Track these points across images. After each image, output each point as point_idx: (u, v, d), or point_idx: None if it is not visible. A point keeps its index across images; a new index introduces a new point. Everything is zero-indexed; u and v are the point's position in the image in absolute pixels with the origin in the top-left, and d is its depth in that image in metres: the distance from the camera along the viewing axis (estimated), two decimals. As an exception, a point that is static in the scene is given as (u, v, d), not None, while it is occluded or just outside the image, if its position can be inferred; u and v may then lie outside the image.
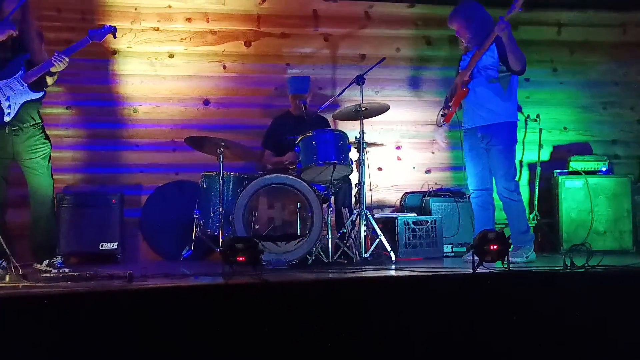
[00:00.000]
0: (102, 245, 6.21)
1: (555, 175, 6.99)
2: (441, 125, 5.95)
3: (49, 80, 5.24)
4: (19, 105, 5.07)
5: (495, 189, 5.76)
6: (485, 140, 5.68)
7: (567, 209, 6.85)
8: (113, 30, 5.40)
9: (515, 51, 5.48)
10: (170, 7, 6.97)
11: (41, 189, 5.19)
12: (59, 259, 5.24)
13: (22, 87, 5.09)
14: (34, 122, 5.20)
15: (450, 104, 5.81)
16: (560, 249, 6.65)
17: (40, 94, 5.20)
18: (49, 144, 5.27)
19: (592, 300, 4.14)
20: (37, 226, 5.21)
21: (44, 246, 5.21)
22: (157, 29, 6.93)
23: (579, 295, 4.17)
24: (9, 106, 5.03)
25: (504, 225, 5.94)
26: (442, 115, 5.89)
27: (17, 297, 3.74)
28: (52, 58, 5.09)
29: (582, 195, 6.84)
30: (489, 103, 5.64)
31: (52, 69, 5.13)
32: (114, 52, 6.77)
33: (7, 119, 5.03)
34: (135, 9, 6.90)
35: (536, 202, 6.95)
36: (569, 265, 4.51)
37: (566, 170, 7.00)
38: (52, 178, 5.27)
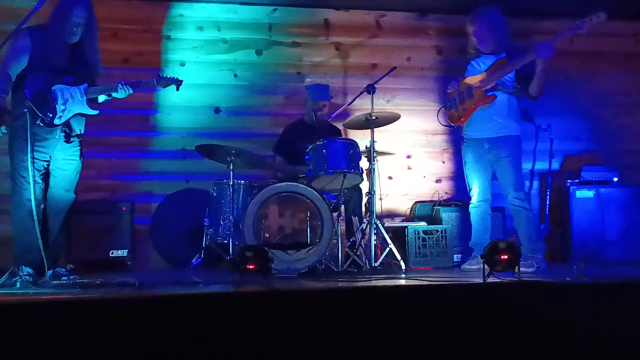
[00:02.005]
0: (112, 253, 6.23)
1: (566, 185, 6.97)
2: (447, 126, 5.98)
3: (101, 98, 5.21)
4: (72, 113, 5.04)
5: (497, 199, 5.78)
6: (493, 152, 5.70)
7: (578, 219, 6.82)
8: (178, 83, 5.38)
9: (543, 80, 5.54)
10: (182, 15, 7.00)
11: (61, 202, 5.16)
12: (63, 269, 5.19)
13: (81, 99, 5.06)
14: (80, 133, 5.19)
15: (461, 106, 5.79)
16: (571, 258, 6.62)
17: (95, 113, 5.17)
18: (82, 160, 5.24)
19: (603, 311, 4.11)
20: (46, 236, 5.10)
21: (50, 256, 5.03)
22: (169, 38, 6.97)
23: (590, 306, 4.14)
24: (63, 110, 4.99)
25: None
26: (445, 113, 5.90)
27: (27, 304, 3.75)
28: (119, 85, 5.11)
29: (593, 205, 6.80)
30: (499, 116, 5.69)
31: (114, 93, 5.15)
32: (126, 59, 6.80)
33: (57, 122, 4.98)
34: (149, 18, 6.94)
35: (547, 212, 6.92)
36: (580, 275, 4.48)
37: (577, 180, 6.97)
38: (74, 194, 5.25)
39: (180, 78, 5.40)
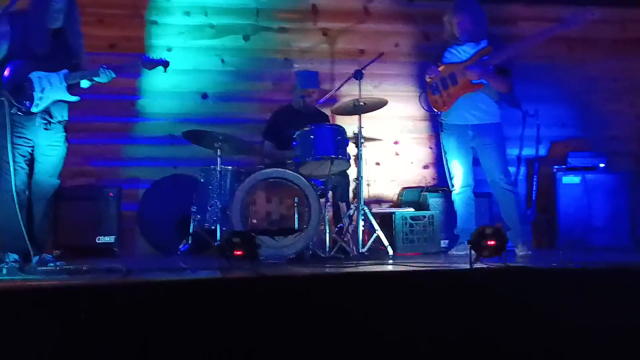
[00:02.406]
0: (99, 239, 6.21)
1: (553, 171, 6.99)
2: (429, 111, 6.01)
3: (84, 84, 5.15)
4: (51, 101, 4.98)
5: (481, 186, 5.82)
6: (477, 139, 5.76)
7: (564, 205, 6.85)
8: (165, 64, 5.33)
9: (499, 86, 5.71)
10: (169, 0, 6.96)
11: (45, 187, 5.12)
12: (49, 255, 5.16)
13: (60, 85, 5.00)
14: (62, 120, 5.12)
15: (445, 92, 5.80)
16: (558, 244, 6.65)
17: (76, 99, 5.10)
18: (67, 145, 5.18)
19: (589, 297, 4.14)
20: (31, 222, 5.07)
21: (35, 243, 5.00)
22: (155, 23, 6.93)
23: (577, 292, 4.17)
24: (41, 98, 4.93)
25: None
26: (428, 99, 5.93)
27: (13, 290, 3.73)
28: (100, 69, 5.05)
29: (579, 191, 6.84)
30: (483, 104, 5.79)
31: (95, 78, 5.09)
32: (112, 45, 6.75)
33: (34, 109, 4.92)
34: (134, 3, 6.89)
35: (534, 198, 6.95)
36: (566, 261, 4.51)
37: (564, 167, 6.99)
38: (59, 179, 5.20)
39: (166, 59, 5.36)
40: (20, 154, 4.92)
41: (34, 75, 4.95)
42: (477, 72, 5.68)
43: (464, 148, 5.84)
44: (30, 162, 5.05)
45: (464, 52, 5.82)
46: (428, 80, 5.95)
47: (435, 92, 5.89)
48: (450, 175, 5.94)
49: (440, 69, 5.86)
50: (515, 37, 6.29)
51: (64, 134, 5.16)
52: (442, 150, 6.02)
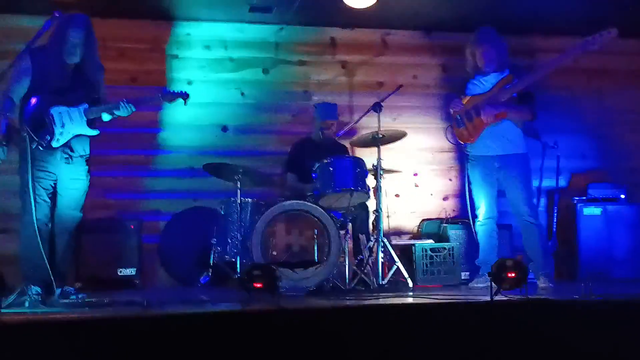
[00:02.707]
0: (120, 271, 6.25)
1: (573, 202, 6.96)
2: (456, 144, 5.99)
3: (105, 117, 5.20)
4: (72, 135, 5.03)
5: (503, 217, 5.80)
6: (503, 170, 5.72)
7: (585, 236, 6.81)
8: (185, 97, 5.35)
9: (522, 115, 5.71)
10: (188, 34, 7.05)
11: (67, 220, 5.15)
12: (71, 288, 5.18)
13: (80, 119, 5.06)
14: (84, 154, 5.17)
15: (470, 124, 5.79)
16: (579, 276, 6.60)
17: (96, 133, 5.16)
18: (89, 178, 5.22)
19: (610, 329, 4.10)
20: (53, 255, 5.08)
21: (57, 275, 4.99)
22: (176, 56, 7.01)
23: (598, 324, 4.13)
24: (61, 133, 4.99)
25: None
26: (453, 132, 5.92)
27: (36, 323, 3.75)
28: (120, 103, 5.11)
29: (600, 223, 6.80)
30: (509, 134, 5.73)
31: (116, 112, 5.15)
32: (133, 78, 6.84)
33: (55, 144, 4.97)
34: (155, 37, 6.99)
35: (554, 230, 6.91)
36: (587, 293, 4.47)
37: (584, 198, 6.96)
38: (81, 212, 5.23)
39: (186, 92, 5.39)
40: (43, 187, 4.97)
41: (55, 111, 5.01)
42: (500, 103, 5.66)
43: (488, 179, 5.82)
44: (53, 195, 5.09)
45: (486, 82, 5.80)
46: (452, 113, 5.95)
47: (460, 125, 5.87)
48: (475, 205, 5.91)
49: (463, 101, 5.86)
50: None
51: (86, 167, 5.20)
52: (467, 181, 6.00)
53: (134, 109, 5.18)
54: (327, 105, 6.65)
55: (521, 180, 5.72)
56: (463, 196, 7.10)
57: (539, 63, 6.04)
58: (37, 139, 4.91)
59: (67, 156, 5.07)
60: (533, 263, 5.57)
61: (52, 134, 4.97)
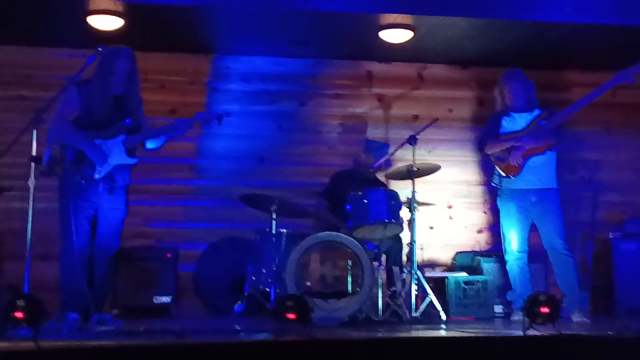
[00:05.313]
0: (156, 299, 6.31)
1: (609, 237, 6.91)
2: (506, 177, 5.97)
3: (149, 145, 5.36)
4: (112, 166, 5.13)
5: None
6: (540, 204, 5.73)
7: (622, 271, 6.74)
8: (220, 118, 5.41)
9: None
10: (228, 67, 7.18)
11: (106, 249, 5.26)
12: (108, 315, 5.27)
13: (119, 150, 5.15)
14: (124, 184, 5.27)
15: (515, 160, 5.81)
16: (615, 312, 6.53)
17: (135, 161, 5.27)
18: (128, 208, 5.33)
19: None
20: (91, 282, 5.17)
21: (94, 302, 5.08)
22: (215, 89, 7.14)
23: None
24: (102, 166, 5.09)
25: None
26: (502, 171, 5.92)
27: (72, 350, 3.82)
28: (175, 121, 5.29)
29: (637, 258, 6.73)
30: (546, 169, 5.76)
31: (173, 133, 5.30)
32: (172, 110, 6.97)
33: (96, 176, 5.08)
34: (195, 70, 7.13)
35: (590, 264, 6.86)
36: (623, 329, 4.44)
37: (621, 233, 6.91)
38: (119, 241, 5.35)
39: (221, 112, 5.45)
40: (84, 216, 5.08)
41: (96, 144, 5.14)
42: (536, 138, 5.71)
43: (522, 212, 5.82)
44: (93, 223, 5.21)
45: (520, 118, 5.87)
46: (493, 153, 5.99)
47: (504, 160, 5.89)
48: (507, 239, 5.91)
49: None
50: (569, 103, 6.28)
51: (126, 197, 5.31)
52: (501, 213, 5.99)
53: (166, 139, 5.35)
54: (380, 144, 6.77)
55: (557, 213, 5.76)
56: (497, 229, 7.10)
57: (577, 100, 6.05)
58: (78, 172, 5.04)
59: (109, 186, 5.17)
60: (567, 297, 5.55)
61: (93, 167, 5.09)
